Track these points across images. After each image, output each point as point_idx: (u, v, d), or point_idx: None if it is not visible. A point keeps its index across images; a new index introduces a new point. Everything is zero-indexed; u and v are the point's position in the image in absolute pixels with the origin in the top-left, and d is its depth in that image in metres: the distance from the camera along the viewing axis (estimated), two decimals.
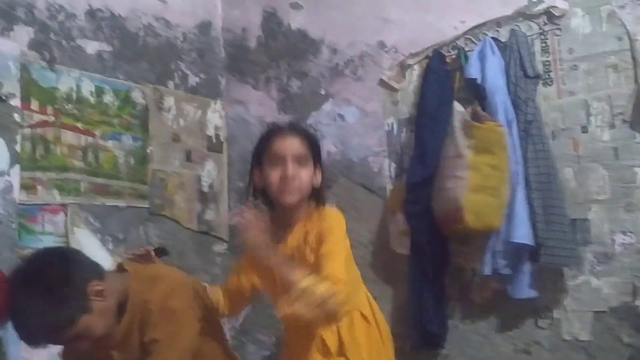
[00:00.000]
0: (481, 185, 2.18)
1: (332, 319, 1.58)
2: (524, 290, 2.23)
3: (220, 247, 3.06)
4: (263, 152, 1.79)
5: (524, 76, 2.31)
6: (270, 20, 3.09)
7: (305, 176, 1.76)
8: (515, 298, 2.25)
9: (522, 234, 2.17)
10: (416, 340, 2.42)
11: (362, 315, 1.83)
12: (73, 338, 1.55)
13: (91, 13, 2.62)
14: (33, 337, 1.55)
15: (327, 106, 2.89)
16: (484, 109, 2.29)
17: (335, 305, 1.50)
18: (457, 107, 2.34)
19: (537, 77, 2.33)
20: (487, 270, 2.25)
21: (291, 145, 1.76)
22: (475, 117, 2.27)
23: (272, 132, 1.81)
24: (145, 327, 1.63)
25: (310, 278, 1.51)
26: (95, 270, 1.64)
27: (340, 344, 1.76)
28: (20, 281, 1.53)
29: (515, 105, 2.28)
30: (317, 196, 1.82)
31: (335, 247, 1.66)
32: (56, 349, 2.21)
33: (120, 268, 1.77)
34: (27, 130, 2.33)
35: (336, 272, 1.58)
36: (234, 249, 3.02)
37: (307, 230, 1.75)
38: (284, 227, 1.79)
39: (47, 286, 1.50)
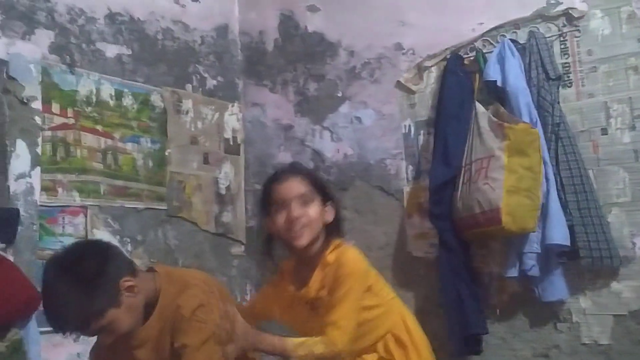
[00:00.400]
0: (516, 187, 2.16)
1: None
2: (556, 292, 2.21)
3: (237, 249, 3.07)
4: (268, 200, 1.83)
5: (546, 78, 2.30)
6: (287, 23, 3.10)
7: (312, 214, 1.78)
8: (545, 301, 2.24)
9: (560, 235, 2.15)
10: (459, 346, 2.36)
11: (397, 338, 1.83)
12: (99, 330, 1.58)
13: (111, 17, 2.65)
14: (60, 323, 1.58)
15: (344, 108, 2.89)
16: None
17: (334, 353, 1.65)
18: (480, 108, 2.32)
19: (559, 78, 2.31)
20: (512, 272, 2.24)
21: (291, 186, 1.80)
22: (501, 118, 2.26)
23: (273, 179, 1.85)
24: (176, 332, 1.64)
25: (304, 341, 1.66)
26: (129, 267, 1.68)
27: None
28: (57, 267, 1.58)
29: (540, 107, 2.27)
30: (332, 232, 1.83)
31: (348, 293, 1.70)
32: (75, 349, 2.24)
33: (151, 269, 1.79)
34: (48, 133, 2.36)
35: (340, 319, 1.67)
36: (251, 251, 3.03)
37: (326, 274, 1.77)
38: (307, 270, 1.82)
39: (82, 275, 1.54)
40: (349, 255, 1.78)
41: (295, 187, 1.80)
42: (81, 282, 1.53)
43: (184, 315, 1.64)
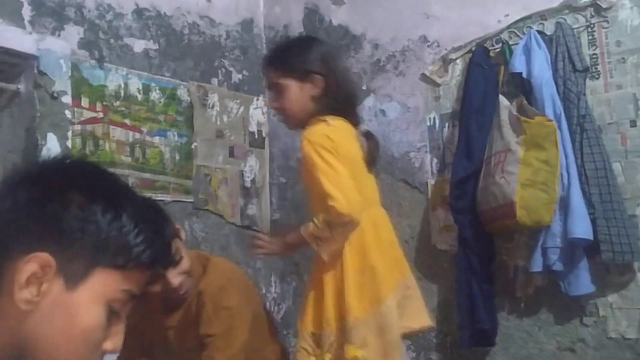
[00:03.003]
0: (532, 181, 2.16)
1: (349, 228, 1.69)
2: (582, 286, 2.20)
3: None
4: None
5: (573, 70, 2.27)
6: (312, 16, 3.11)
7: (285, 101, 1.81)
8: (571, 295, 2.22)
9: (583, 229, 2.13)
10: (467, 339, 2.38)
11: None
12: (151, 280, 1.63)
13: (138, 12, 2.69)
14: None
15: (369, 102, 2.89)
16: (530, 104, 2.27)
17: (337, 220, 1.65)
18: (503, 101, 2.31)
19: (586, 70, 2.28)
20: (536, 267, 2.23)
21: (266, 78, 1.89)
22: (523, 111, 2.24)
23: None
24: (199, 320, 1.67)
25: (310, 224, 1.69)
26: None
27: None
28: None
29: (565, 99, 2.25)
30: (326, 103, 1.80)
31: (315, 170, 1.69)
32: None
33: None
34: (78, 127, 2.41)
35: (328, 193, 1.65)
36: None
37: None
38: None
39: None
40: (308, 130, 1.75)
41: (267, 78, 1.86)
42: None
43: (205, 303, 1.66)
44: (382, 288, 1.74)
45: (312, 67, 1.81)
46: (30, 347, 0.76)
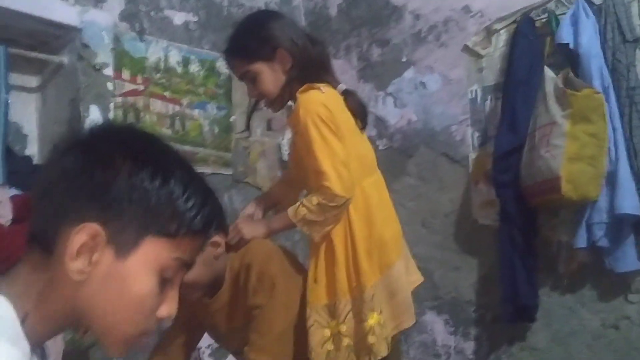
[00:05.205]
0: (579, 154, 2.10)
1: (342, 209, 1.65)
2: (628, 263, 2.15)
3: None
4: None
5: (622, 40, 2.19)
6: None
7: (261, 86, 1.75)
8: (617, 272, 2.17)
9: (630, 205, 2.08)
10: (508, 314, 2.36)
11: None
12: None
13: None
14: None
15: (409, 74, 2.84)
16: (577, 75, 2.20)
17: (331, 203, 1.61)
18: (549, 73, 2.25)
19: (636, 41, 2.20)
20: (580, 242, 2.18)
21: (234, 71, 1.82)
22: (569, 83, 2.18)
23: None
24: (245, 292, 1.66)
25: (299, 207, 1.65)
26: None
27: None
28: None
29: (614, 70, 2.18)
30: (301, 72, 1.73)
31: (312, 142, 1.63)
32: None
33: None
34: (119, 99, 2.43)
35: (322, 170, 1.61)
36: None
37: (291, 122, 1.78)
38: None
39: None
40: (303, 97, 1.68)
41: (235, 70, 1.80)
42: None
43: (251, 275, 1.64)
44: (391, 252, 1.73)
45: (274, 43, 1.74)
46: (86, 315, 0.77)
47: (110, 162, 0.76)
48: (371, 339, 1.64)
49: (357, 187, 1.70)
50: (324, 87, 1.71)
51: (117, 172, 0.76)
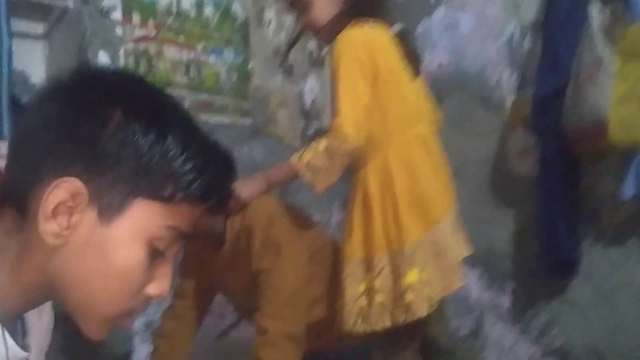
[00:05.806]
0: (629, 96, 1.94)
1: (349, 158, 1.56)
2: None
3: None
4: None
5: None
6: None
7: (310, 15, 1.66)
8: None
9: None
10: (546, 268, 2.25)
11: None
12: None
13: None
14: None
15: (439, 13, 2.66)
16: (627, 9, 2.02)
17: (342, 143, 1.50)
18: (595, 7, 2.08)
19: None
20: (628, 192, 2.04)
21: None
22: (618, 19, 2.01)
23: None
24: (249, 255, 1.58)
25: (304, 152, 1.55)
26: None
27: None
28: None
29: None
30: (353, 7, 1.64)
31: (341, 78, 1.54)
32: None
33: None
34: (130, 45, 2.29)
35: (340, 108, 1.53)
36: None
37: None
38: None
39: None
40: (343, 35, 1.60)
41: None
42: None
43: (254, 237, 1.58)
44: (435, 210, 1.63)
45: None
46: (61, 287, 0.66)
47: (98, 111, 0.64)
48: (409, 297, 1.54)
49: (396, 136, 1.60)
50: (372, 26, 1.61)
51: (105, 123, 0.64)
